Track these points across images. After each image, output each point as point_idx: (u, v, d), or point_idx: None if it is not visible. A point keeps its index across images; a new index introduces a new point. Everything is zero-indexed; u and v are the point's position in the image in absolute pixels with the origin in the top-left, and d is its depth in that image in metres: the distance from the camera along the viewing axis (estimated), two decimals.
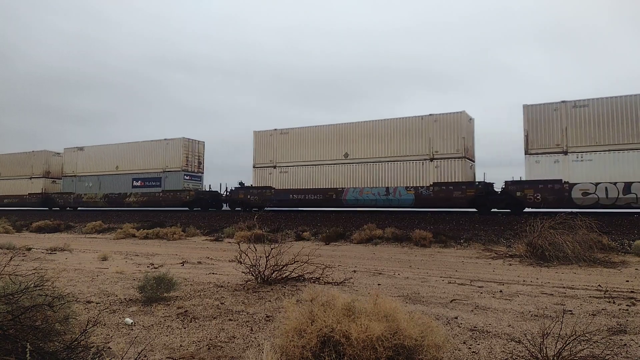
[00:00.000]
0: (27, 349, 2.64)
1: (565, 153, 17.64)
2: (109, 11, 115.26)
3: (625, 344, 3.99)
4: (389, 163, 21.29)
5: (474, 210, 19.39)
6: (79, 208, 31.85)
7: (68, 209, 32.06)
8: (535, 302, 5.89)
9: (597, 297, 6.18)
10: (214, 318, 4.87)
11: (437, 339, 3.17)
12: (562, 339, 3.53)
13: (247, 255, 6.80)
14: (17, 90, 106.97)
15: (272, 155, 24.55)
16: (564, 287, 7.03)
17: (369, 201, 21.44)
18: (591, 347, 3.70)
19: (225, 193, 26.68)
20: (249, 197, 24.67)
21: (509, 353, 3.72)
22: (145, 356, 3.64)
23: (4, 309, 3.03)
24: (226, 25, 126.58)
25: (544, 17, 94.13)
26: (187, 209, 26.99)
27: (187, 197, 26.92)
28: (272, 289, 6.37)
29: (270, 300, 5.73)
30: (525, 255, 10.60)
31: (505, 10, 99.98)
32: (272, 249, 6.94)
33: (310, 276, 7.16)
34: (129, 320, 4.71)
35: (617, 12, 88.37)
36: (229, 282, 7.11)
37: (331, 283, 6.94)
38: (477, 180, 20.31)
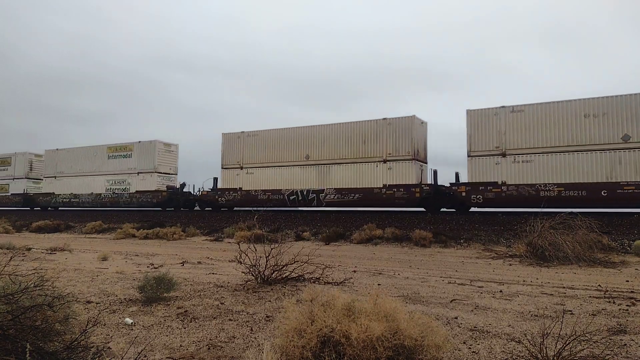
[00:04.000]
0: (27, 349, 2.64)
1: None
2: (109, 11, 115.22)
3: (625, 344, 3.99)
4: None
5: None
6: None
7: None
8: (535, 302, 5.88)
9: (597, 297, 6.18)
10: (214, 318, 4.87)
11: (437, 339, 3.16)
12: (562, 339, 3.53)
13: (247, 255, 6.80)
14: (17, 90, 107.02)
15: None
16: (564, 287, 7.03)
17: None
18: (591, 347, 3.70)
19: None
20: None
21: (509, 353, 3.72)
22: (145, 356, 3.64)
23: (4, 309, 3.03)
24: (226, 26, 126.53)
25: (544, 17, 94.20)
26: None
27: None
28: (272, 289, 6.37)
29: (270, 300, 5.73)
30: (525, 255, 10.60)
31: (506, 11, 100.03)
32: (272, 249, 6.93)
33: (310, 276, 7.16)
34: (129, 320, 4.71)
35: (617, 12, 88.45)
36: (229, 282, 7.11)
37: (331, 283, 6.94)
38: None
